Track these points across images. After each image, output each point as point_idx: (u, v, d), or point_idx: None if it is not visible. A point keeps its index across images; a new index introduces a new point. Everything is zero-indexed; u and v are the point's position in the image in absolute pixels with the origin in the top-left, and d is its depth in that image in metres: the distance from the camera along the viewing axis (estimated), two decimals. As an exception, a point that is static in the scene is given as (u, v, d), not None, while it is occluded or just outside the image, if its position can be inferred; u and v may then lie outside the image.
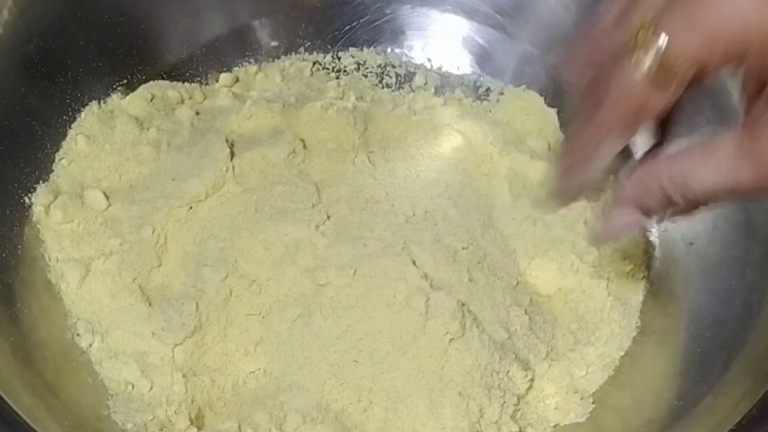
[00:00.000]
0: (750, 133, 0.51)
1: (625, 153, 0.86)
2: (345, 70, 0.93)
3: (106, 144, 0.83)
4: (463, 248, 0.79)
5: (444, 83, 0.93)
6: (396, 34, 0.94)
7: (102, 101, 0.85)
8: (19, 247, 0.76)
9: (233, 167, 0.82)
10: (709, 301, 0.76)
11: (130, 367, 0.72)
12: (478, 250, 0.80)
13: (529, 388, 0.75)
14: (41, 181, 0.79)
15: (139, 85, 0.87)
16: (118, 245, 0.77)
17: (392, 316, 0.74)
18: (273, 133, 0.85)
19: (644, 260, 0.82)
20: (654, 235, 0.83)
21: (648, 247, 0.83)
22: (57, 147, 0.81)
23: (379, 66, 0.93)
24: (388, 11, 0.93)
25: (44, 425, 0.63)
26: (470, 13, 0.92)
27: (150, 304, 0.76)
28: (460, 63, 0.93)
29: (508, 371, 0.74)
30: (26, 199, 0.78)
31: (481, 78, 0.93)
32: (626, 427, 0.73)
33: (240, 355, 0.75)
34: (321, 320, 0.75)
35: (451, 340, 0.73)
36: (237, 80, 0.92)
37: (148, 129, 0.83)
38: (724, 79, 0.79)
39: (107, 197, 0.79)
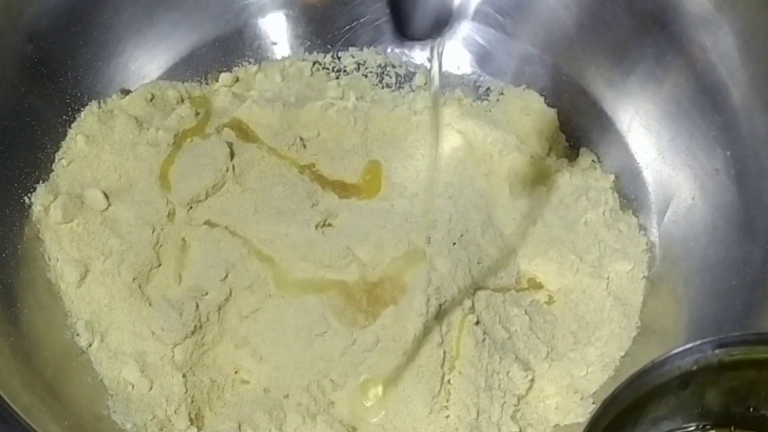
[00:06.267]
0: None
1: (626, 153, 0.87)
2: (345, 70, 0.93)
3: (106, 144, 0.83)
4: (463, 248, 0.79)
5: (444, 83, 0.93)
6: (396, 34, 0.94)
7: (102, 101, 0.85)
8: (19, 247, 0.76)
9: (233, 167, 0.82)
10: (709, 301, 0.76)
11: (129, 366, 0.72)
12: (478, 250, 0.80)
13: (530, 388, 0.75)
14: (41, 181, 0.79)
15: (139, 85, 0.87)
16: (117, 245, 0.77)
17: (393, 317, 0.74)
18: (273, 132, 0.85)
19: (644, 260, 0.82)
20: (654, 235, 0.83)
21: (648, 247, 0.83)
22: (57, 147, 0.81)
23: (379, 66, 0.93)
24: (389, 11, 0.93)
25: (44, 425, 0.63)
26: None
27: (150, 304, 0.76)
28: (460, 63, 0.93)
29: (508, 371, 0.74)
30: (26, 199, 0.78)
31: (481, 78, 0.93)
32: (626, 427, 0.73)
33: (240, 355, 0.75)
34: (321, 320, 0.75)
35: (451, 340, 0.74)
36: (237, 80, 0.92)
37: (147, 129, 0.83)
38: (724, 79, 0.79)
39: (107, 197, 0.79)
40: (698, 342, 0.55)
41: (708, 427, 0.57)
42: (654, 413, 0.56)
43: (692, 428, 0.57)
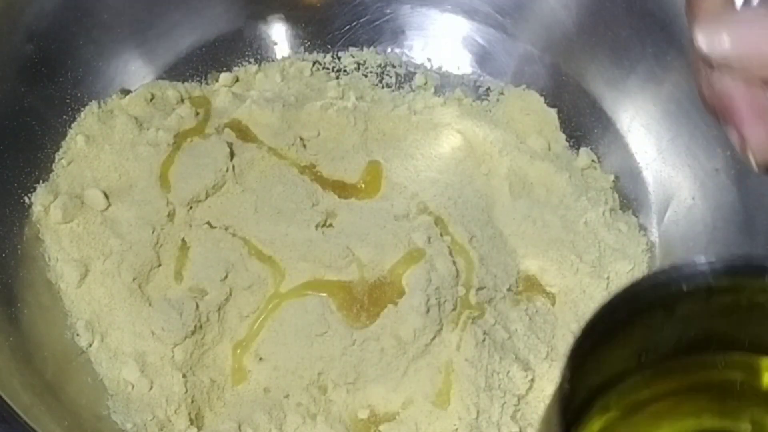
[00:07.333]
0: None
1: (626, 153, 0.87)
2: (345, 70, 0.93)
3: (106, 144, 0.83)
4: (462, 248, 0.79)
5: (444, 83, 0.93)
6: (396, 34, 0.94)
7: (102, 101, 0.85)
8: (19, 247, 0.76)
9: (233, 167, 0.82)
10: (710, 302, 0.76)
11: (129, 367, 0.73)
12: (478, 250, 0.80)
13: (529, 388, 0.75)
14: (41, 181, 0.79)
15: (139, 85, 0.87)
16: (117, 245, 0.77)
17: (393, 317, 0.74)
18: (273, 132, 0.85)
19: (644, 260, 0.82)
20: (654, 235, 0.83)
21: (648, 247, 0.83)
22: (57, 147, 0.81)
23: (379, 66, 0.93)
24: (388, 11, 0.93)
25: (44, 425, 0.63)
26: (470, 13, 0.92)
27: (150, 304, 0.76)
28: (460, 63, 0.93)
29: (508, 371, 0.74)
30: (26, 199, 0.78)
31: (481, 78, 0.93)
32: (626, 427, 0.73)
33: (240, 355, 0.75)
34: (321, 320, 0.75)
35: (451, 340, 0.74)
36: (237, 80, 0.92)
37: (147, 129, 0.83)
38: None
39: (107, 197, 0.80)
40: (688, 262, 0.54)
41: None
42: (640, 342, 0.55)
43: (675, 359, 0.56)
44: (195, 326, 0.74)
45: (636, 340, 0.55)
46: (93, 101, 0.84)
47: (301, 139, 0.86)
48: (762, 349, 0.54)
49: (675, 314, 0.54)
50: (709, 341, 0.55)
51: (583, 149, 0.88)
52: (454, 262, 0.77)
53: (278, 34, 0.93)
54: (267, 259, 0.78)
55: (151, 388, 0.72)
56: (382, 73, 0.93)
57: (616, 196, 0.86)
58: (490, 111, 0.91)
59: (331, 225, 0.81)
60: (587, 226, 0.83)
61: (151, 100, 0.87)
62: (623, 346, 0.55)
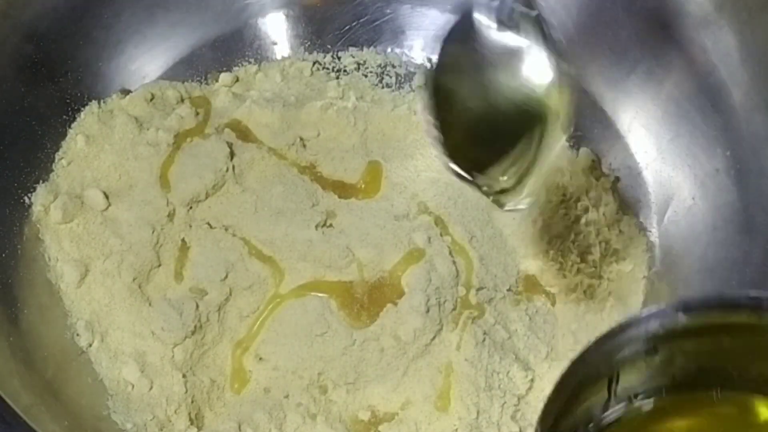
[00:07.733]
0: None
1: (626, 153, 0.86)
2: (345, 70, 0.93)
3: (106, 144, 0.82)
4: (462, 248, 0.79)
5: (444, 83, 0.93)
6: (396, 34, 0.94)
7: (102, 101, 0.85)
8: (19, 247, 0.76)
9: (233, 167, 0.82)
10: (709, 302, 0.76)
11: (129, 367, 0.73)
12: (478, 250, 0.80)
13: (530, 388, 0.75)
14: (41, 181, 0.79)
15: (139, 85, 0.87)
16: (117, 245, 0.77)
17: (393, 317, 0.74)
18: (273, 132, 0.85)
19: (644, 260, 0.82)
20: (654, 235, 0.83)
21: (648, 247, 0.83)
22: (57, 147, 0.81)
23: (379, 66, 0.93)
24: (388, 11, 0.93)
25: (44, 425, 0.63)
26: (470, 13, 0.92)
27: (150, 304, 0.76)
28: (460, 63, 0.93)
29: (508, 371, 0.74)
30: (26, 199, 0.78)
31: (481, 78, 0.93)
32: (626, 427, 0.73)
33: (240, 355, 0.75)
34: (321, 320, 0.75)
35: (451, 340, 0.74)
36: (237, 80, 0.91)
37: (147, 129, 0.83)
38: (724, 79, 0.79)
39: (107, 197, 0.80)
40: (662, 306, 0.54)
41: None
42: (626, 383, 0.56)
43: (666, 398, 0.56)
44: (195, 326, 0.74)
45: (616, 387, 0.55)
46: (93, 101, 0.84)
47: (301, 139, 0.86)
48: (751, 385, 0.54)
49: (656, 357, 0.54)
50: (697, 380, 0.55)
51: (583, 149, 0.88)
52: (454, 262, 0.77)
53: (278, 34, 0.93)
54: (267, 259, 0.78)
55: (151, 388, 0.72)
56: (382, 73, 0.93)
57: (616, 196, 0.85)
58: (490, 111, 0.91)
59: (331, 225, 0.81)
60: (587, 226, 0.83)
61: (151, 100, 0.87)
62: (598, 394, 0.55)
